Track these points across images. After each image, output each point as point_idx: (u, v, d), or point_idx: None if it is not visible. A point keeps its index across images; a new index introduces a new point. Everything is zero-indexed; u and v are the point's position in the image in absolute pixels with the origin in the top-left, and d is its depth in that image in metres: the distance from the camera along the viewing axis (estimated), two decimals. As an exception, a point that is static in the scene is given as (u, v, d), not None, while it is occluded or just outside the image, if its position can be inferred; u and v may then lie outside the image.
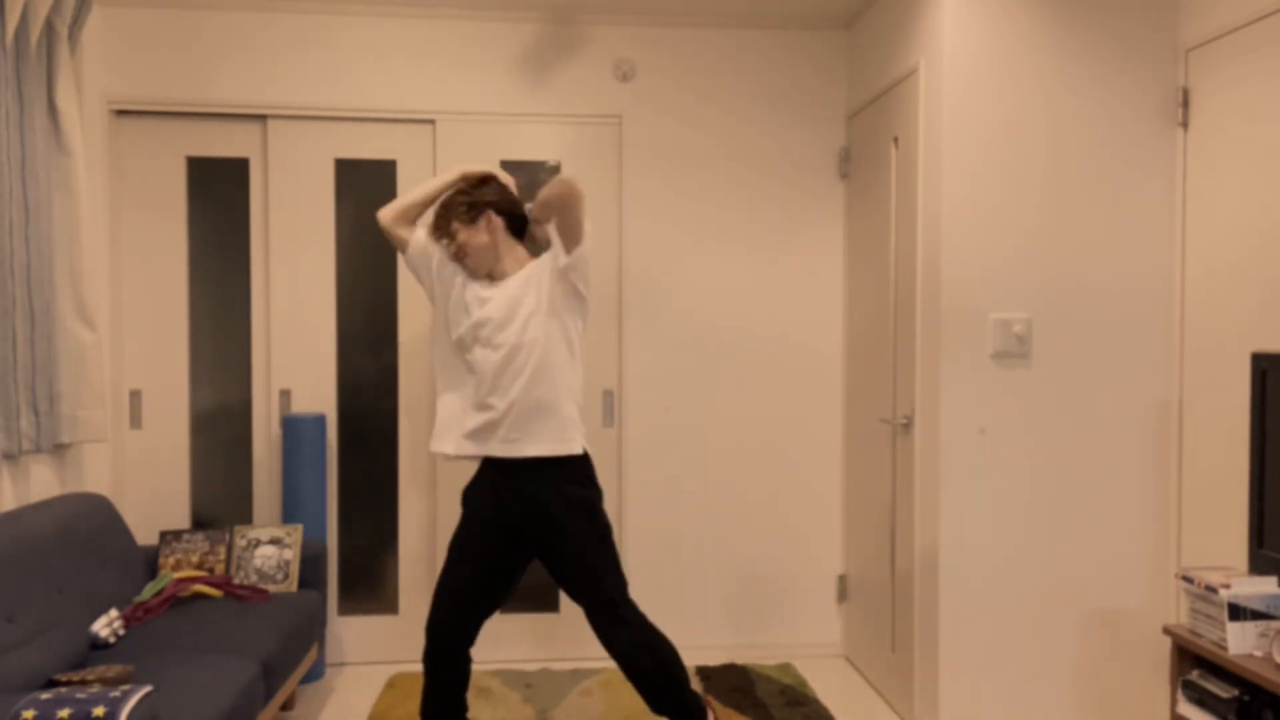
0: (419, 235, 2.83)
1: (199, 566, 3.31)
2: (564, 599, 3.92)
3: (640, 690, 2.71)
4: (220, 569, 3.32)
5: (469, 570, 2.70)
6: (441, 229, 2.77)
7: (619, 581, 2.70)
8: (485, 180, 2.80)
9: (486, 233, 2.74)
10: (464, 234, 2.73)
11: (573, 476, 2.69)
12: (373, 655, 3.87)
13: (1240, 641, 2.33)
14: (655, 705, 2.72)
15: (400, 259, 3.83)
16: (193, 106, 3.70)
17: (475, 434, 2.71)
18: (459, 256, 2.75)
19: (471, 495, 2.77)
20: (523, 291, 2.70)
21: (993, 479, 3.05)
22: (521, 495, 2.68)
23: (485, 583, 2.71)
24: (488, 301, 2.72)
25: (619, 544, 3.92)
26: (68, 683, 2.32)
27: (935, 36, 3.06)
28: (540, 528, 2.67)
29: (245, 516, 3.81)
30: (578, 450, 2.69)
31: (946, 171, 3.01)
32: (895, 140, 3.41)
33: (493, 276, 2.78)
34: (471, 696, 3.46)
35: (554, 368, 2.67)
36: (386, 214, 2.82)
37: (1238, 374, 2.77)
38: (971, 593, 3.05)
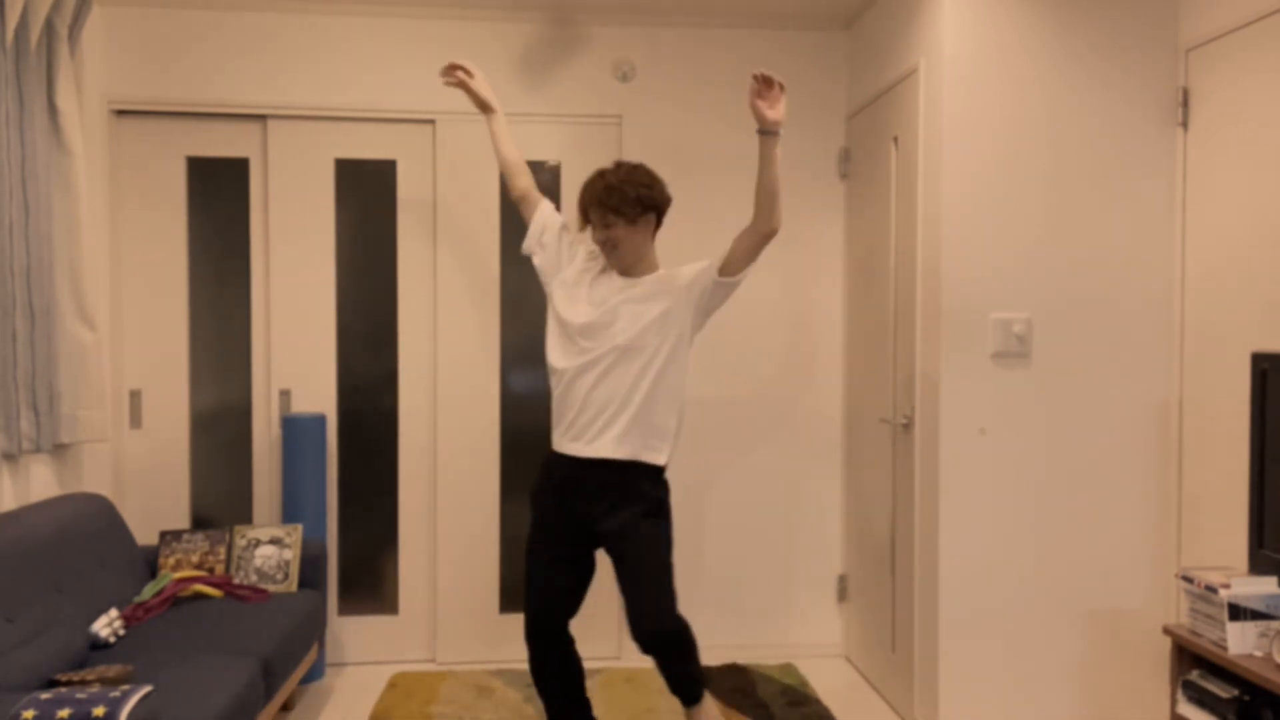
0: (543, 215, 2.81)
1: (199, 566, 3.31)
2: (564, 599, 3.92)
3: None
4: (220, 569, 3.32)
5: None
6: (598, 218, 2.65)
7: None
8: (652, 176, 2.69)
9: (644, 234, 2.67)
10: (623, 231, 2.63)
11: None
12: (373, 655, 3.87)
13: (1240, 641, 2.32)
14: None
15: (402, 272, 3.84)
16: (193, 106, 3.70)
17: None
18: (607, 247, 2.66)
19: None
20: (654, 295, 2.65)
21: (993, 479, 3.05)
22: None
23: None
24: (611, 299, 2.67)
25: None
26: (68, 683, 2.32)
27: (935, 36, 3.06)
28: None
29: (245, 516, 3.81)
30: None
31: (946, 171, 3.01)
32: (895, 140, 3.41)
33: (626, 273, 2.70)
34: (472, 696, 3.46)
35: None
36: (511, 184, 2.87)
37: (1238, 374, 2.77)
38: (971, 592, 3.05)
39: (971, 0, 3.00)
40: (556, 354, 2.69)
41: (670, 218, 3.88)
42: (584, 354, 2.62)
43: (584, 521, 2.66)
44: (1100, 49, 3.04)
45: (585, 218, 2.71)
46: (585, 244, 2.83)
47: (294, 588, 3.32)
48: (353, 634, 3.86)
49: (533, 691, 3.50)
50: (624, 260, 2.67)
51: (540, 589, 2.69)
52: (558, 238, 2.81)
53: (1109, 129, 3.05)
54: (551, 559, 2.70)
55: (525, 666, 3.81)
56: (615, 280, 2.70)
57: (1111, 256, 3.07)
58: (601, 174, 2.69)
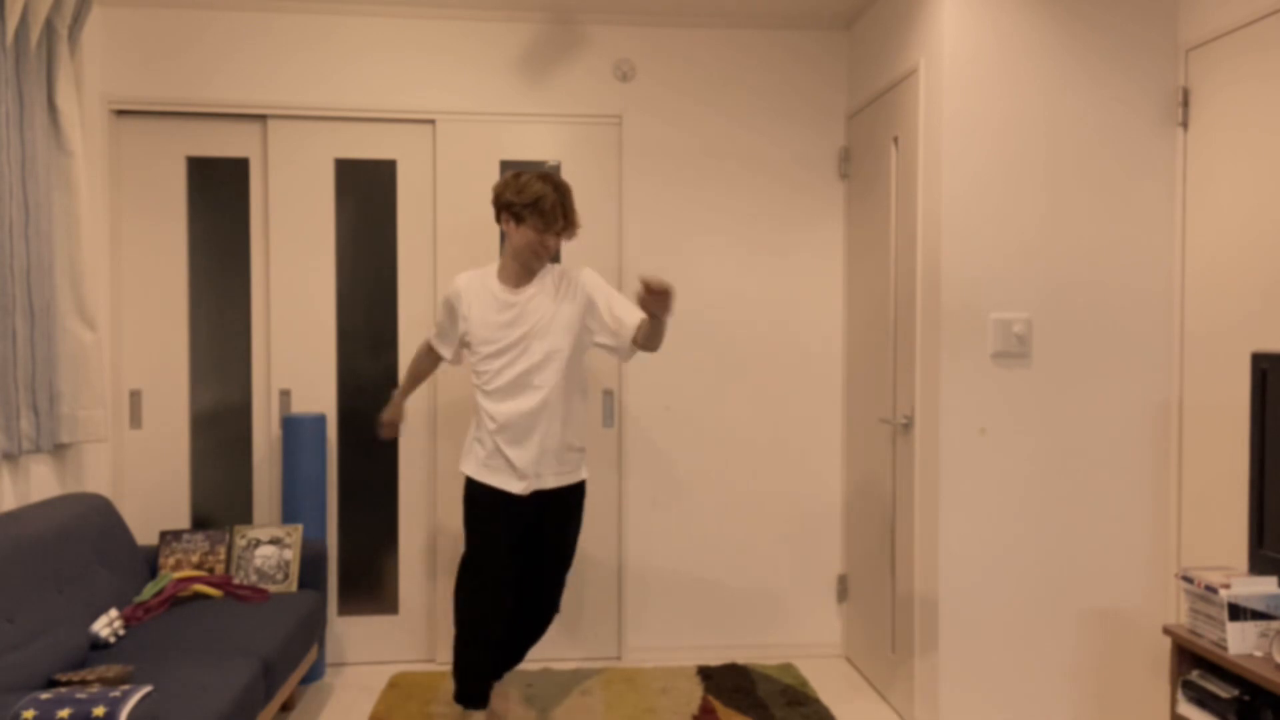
0: (449, 348, 3.13)
1: (199, 566, 3.31)
2: (564, 600, 3.92)
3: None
4: (220, 569, 3.32)
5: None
6: (554, 225, 2.88)
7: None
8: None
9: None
10: (557, 240, 2.93)
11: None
12: (373, 655, 3.87)
13: (1240, 641, 2.33)
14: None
15: (402, 272, 3.84)
16: (193, 106, 3.70)
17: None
18: (539, 251, 2.90)
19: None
20: (554, 303, 2.95)
21: (993, 479, 3.05)
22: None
23: None
24: (525, 308, 2.95)
25: (621, 543, 3.92)
26: (68, 683, 2.32)
27: (935, 36, 3.06)
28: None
29: (245, 516, 3.81)
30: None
31: (946, 171, 3.01)
32: (895, 140, 3.41)
33: (519, 283, 2.98)
34: (471, 696, 3.46)
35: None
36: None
37: (1238, 374, 2.77)
38: (971, 592, 3.05)
39: (971, 0, 3.00)
40: None
41: (670, 219, 3.90)
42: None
43: None
44: (1100, 49, 3.05)
45: (522, 219, 2.89)
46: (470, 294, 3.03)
47: (294, 588, 3.32)
48: (353, 634, 3.86)
49: (533, 691, 3.50)
50: (539, 266, 2.97)
51: None
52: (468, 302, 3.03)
53: (1109, 129, 3.06)
54: None
55: (525, 666, 3.81)
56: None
57: (1112, 256, 3.07)
58: (551, 183, 2.90)
